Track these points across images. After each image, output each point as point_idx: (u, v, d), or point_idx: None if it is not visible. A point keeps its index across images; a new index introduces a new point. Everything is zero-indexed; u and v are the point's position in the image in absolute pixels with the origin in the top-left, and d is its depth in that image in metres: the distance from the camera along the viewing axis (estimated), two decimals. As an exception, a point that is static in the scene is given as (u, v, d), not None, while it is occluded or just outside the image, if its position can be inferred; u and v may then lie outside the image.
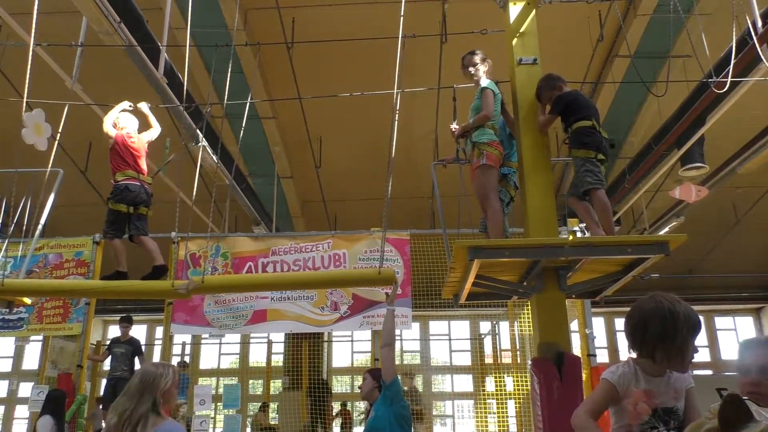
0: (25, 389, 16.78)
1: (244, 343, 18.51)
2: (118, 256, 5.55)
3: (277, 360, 15.53)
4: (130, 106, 5.87)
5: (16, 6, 5.94)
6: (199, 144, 7.72)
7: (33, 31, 5.02)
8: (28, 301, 6.18)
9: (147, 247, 5.54)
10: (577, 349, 7.28)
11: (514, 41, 4.91)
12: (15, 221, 6.01)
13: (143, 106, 5.93)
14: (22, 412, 17.66)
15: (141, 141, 5.72)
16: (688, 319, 2.11)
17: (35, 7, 4.94)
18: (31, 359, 18.42)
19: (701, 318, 2.19)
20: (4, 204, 6.55)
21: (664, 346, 2.13)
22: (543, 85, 4.67)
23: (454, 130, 4.93)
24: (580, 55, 9.44)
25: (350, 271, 7.65)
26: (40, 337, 10.17)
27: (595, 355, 7.44)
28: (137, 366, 8.41)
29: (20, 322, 8.33)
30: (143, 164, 5.67)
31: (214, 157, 8.33)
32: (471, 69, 4.91)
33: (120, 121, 5.71)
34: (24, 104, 5.11)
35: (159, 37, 6.46)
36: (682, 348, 2.12)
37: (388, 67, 5.61)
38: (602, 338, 18.97)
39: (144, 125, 5.92)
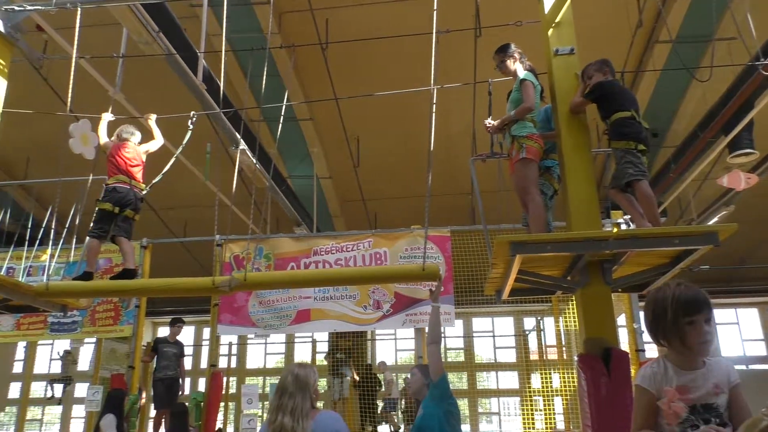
0: (80, 390, 17.37)
1: (289, 343, 18.76)
2: (91, 255, 5.56)
3: (321, 359, 15.67)
4: (113, 117, 5.97)
5: (59, 21, 6.14)
6: (239, 147, 7.83)
7: (75, 44, 5.19)
8: (81, 303, 6.39)
9: (123, 249, 5.59)
10: (625, 345, 7.13)
11: (550, 31, 4.82)
12: (67, 228, 6.22)
13: (150, 119, 6.01)
14: (78, 411, 18.30)
15: (136, 151, 5.77)
16: (678, 299, 2.06)
17: (77, 21, 5.09)
18: (85, 361, 19.05)
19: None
20: (55, 212, 6.77)
21: (662, 329, 2.10)
22: (593, 65, 4.59)
23: (488, 125, 4.88)
24: (619, 43, 9.22)
25: (393, 267, 7.61)
26: (93, 340, 10.52)
27: (644, 350, 7.25)
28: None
29: (74, 325, 8.62)
30: (138, 173, 5.70)
31: (254, 160, 8.45)
32: (501, 67, 4.90)
33: (122, 133, 5.81)
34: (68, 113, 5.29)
35: (196, 44, 6.58)
36: (678, 328, 2.06)
37: (423, 64, 5.59)
38: (651, 332, 18.49)
39: (149, 136, 6.00)
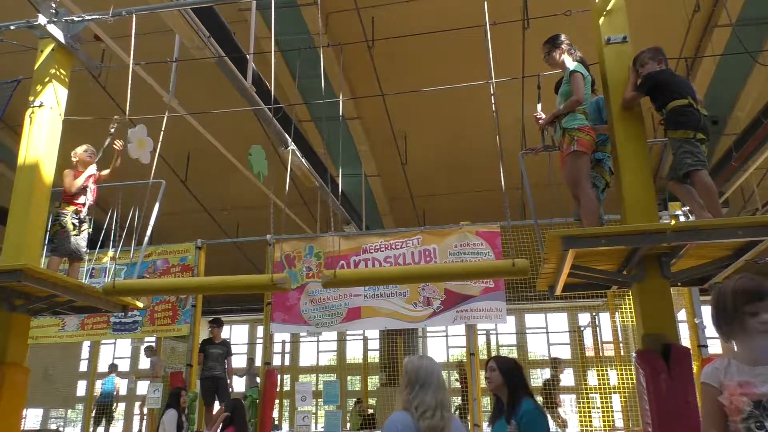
0: (142, 387, 17.96)
1: (341, 341, 18.90)
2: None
3: (374, 357, 15.73)
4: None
5: (116, 30, 6.35)
6: (288, 148, 7.93)
7: (132, 50, 5.36)
8: (140, 304, 6.60)
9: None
10: (686, 341, 6.88)
11: (601, 20, 4.69)
12: (126, 231, 6.45)
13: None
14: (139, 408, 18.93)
15: (68, 184, 5.98)
16: (739, 288, 2.05)
17: (133, 29, 5.26)
18: (146, 359, 19.68)
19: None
20: (116, 215, 7.01)
21: (724, 319, 2.08)
22: (646, 52, 4.44)
23: (539, 117, 4.81)
24: (675, 28, 8.90)
25: (482, 263, 7.39)
26: (153, 338, 10.87)
27: (706, 346, 6.99)
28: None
29: (135, 324, 8.93)
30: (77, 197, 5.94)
31: (303, 160, 8.55)
32: (548, 59, 4.82)
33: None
34: (121, 120, 5.46)
35: (245, 48, 6.70)
36: (739, 316, 2.03)
37: (469, 59, 5.54)
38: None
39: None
